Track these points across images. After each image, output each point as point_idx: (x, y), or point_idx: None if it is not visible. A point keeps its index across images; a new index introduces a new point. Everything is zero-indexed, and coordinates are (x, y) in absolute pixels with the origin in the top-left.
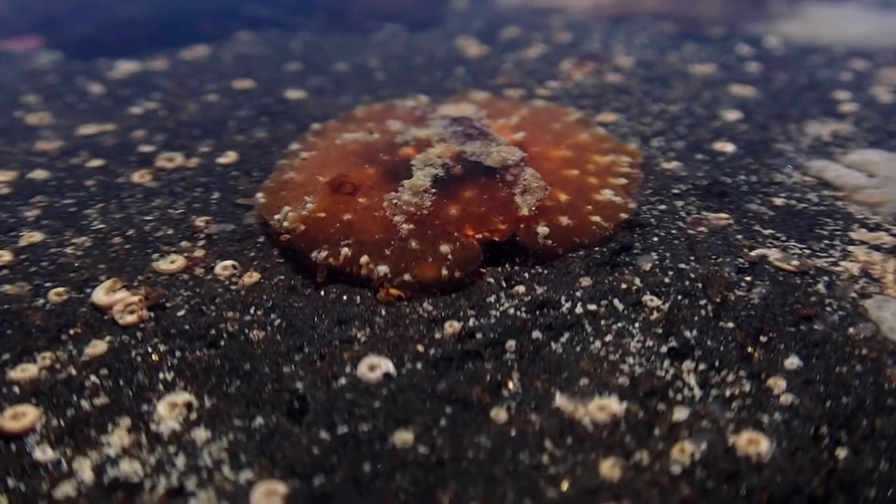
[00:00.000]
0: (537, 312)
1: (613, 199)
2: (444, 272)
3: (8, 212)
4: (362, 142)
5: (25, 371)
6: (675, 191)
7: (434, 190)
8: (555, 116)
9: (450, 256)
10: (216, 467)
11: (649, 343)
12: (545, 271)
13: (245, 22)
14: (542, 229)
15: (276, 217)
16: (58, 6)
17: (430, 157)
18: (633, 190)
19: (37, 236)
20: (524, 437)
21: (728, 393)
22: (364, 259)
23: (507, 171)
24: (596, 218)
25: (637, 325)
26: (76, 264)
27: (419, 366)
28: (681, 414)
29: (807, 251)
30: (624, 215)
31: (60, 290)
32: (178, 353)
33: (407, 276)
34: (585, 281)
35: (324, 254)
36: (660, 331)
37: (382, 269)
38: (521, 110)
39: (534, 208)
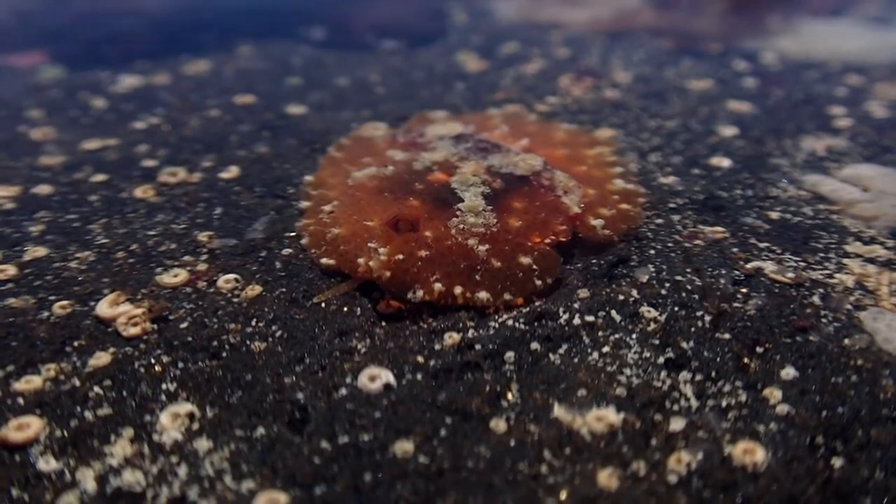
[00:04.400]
0: (536, 324)
1: (627, 186)
2: (539, 283)
3: (12, 227)
4: (381, 176)
5: (30, 382)
6: (672, 205)
7: (489, 207)
8: (523, 120)
9: (534, 266)
10: (218, 477)
11: (646, 354)
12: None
13: (247, 35)
14: (597, 221)
15: (360, 270)
16: (61, 21)
17: (467, 176)
18: (630, 178)
19: (41, 251)
20: (523, 447)
21: (724, 403)
22: (459, 290)
23: (539, 177)
24: (626, 205)
25: (634, 336)
26: (80, 278)
27: (419, 376)
28: (677, 424)
29: (802, 264)
30: (642, 200)
31: (65, 303)
32: (180, 365)
33: (507, 296)
34: (583, 293)
35: (420, 293)
36: (657, 342)
37: (483, 295)
38: (496, 120)
39: (582, 205)
